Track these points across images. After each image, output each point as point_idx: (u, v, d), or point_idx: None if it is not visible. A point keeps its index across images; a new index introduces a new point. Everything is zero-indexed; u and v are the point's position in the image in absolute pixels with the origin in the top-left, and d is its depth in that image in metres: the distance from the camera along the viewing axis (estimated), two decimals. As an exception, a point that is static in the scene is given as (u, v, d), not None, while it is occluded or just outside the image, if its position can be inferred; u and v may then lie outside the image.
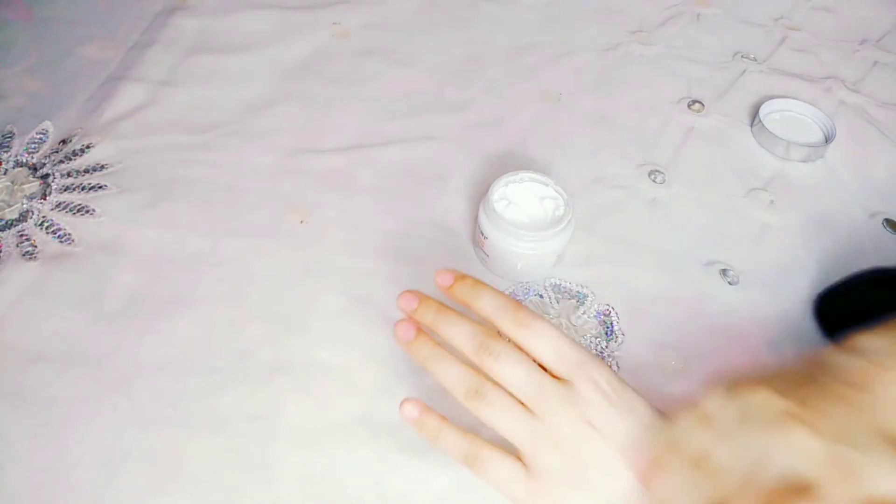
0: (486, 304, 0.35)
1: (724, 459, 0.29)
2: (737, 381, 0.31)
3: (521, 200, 0.45)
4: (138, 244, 0.47)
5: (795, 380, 0.31)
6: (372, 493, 0.37)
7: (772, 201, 0.54)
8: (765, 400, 0.29)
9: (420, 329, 0.35)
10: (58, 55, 0.60)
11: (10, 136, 0.53)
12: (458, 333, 0.34)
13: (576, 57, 0.65)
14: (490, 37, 0.66)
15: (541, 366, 0.33)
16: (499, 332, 0.34)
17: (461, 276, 0.36)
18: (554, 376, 0.33)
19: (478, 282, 0.35)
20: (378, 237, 0.49)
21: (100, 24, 0.64)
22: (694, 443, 0.30)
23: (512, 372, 0.33)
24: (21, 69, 0.59)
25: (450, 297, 0.36)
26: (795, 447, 0.28)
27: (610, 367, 0.36)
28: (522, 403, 0.33)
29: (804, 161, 0.57)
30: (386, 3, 0.68)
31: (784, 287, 0.48)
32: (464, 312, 0.35)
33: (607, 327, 0.45)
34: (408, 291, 0.36)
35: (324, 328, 0.44)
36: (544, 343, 0.33)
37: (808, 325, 0.46)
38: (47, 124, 0.54)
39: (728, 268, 0.49)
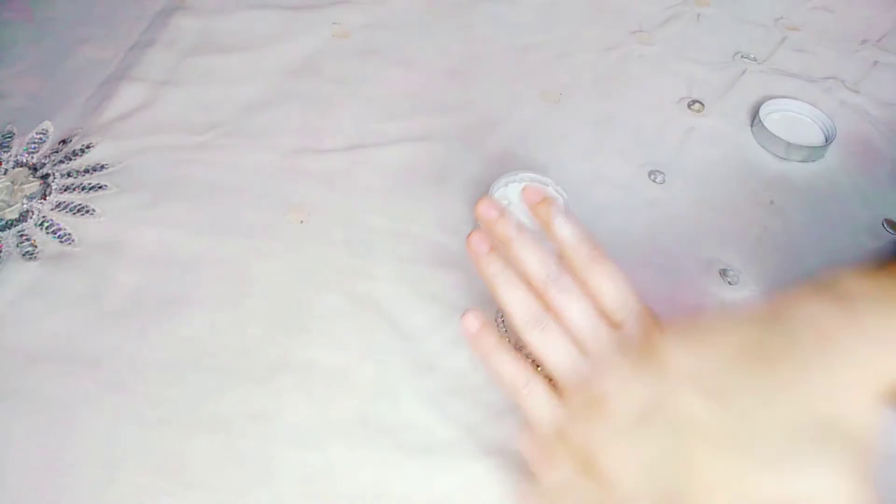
0: (566, 231, 0.34)
1: (611, 467, 0.27)
2: (659, 350, 0.28)
3: (522, 200, 0.45)
4: (138, 244, 0.47)
5: (741, 343, 0.27)
6: (372, 493, 0.37)
7: (772, 201, 0.54)
8: (676, 395, 0.27)
9: (493, 246, 0.35)
10: (58, 55, 0.60)
11: (10, 136, 0.53)
12: (531, 257, 0.34)
13: (576, 57, 0.65)
14: (490, 37, 0.66)
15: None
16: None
17: (551, 199, 0.36)
18: (610, 321, 0.33)
19: (566, 210, 0.36)
20: (378, 237, 0.49)
21: (100, 24, 0.64)
22: (580, 436, 0.28)
23: (574, 307, 0.33)
24: (21, 69, 0.59)
25: (534, 213, 0.36)
26: (693, 469, 0.25)
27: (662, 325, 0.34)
28: (578, 346, 0.32)
29: (804, 161, 0.57)
30: (386, 3, 0.68)
31: (784, 287, 0.48)
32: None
33: (607, 327, 0.45)
34: (488, 199, 0.35)
35: (324, 328, 0.44)
36: (611, 284, 0.33)
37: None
38: (47, 124, 0.54)
39: (728, 268, 0.49)
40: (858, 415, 0.25)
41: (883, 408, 0.25)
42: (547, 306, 0.34)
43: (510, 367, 0.34)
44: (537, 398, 0.33)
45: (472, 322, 0.35)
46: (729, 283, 0.48)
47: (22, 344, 0.42)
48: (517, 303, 0.34)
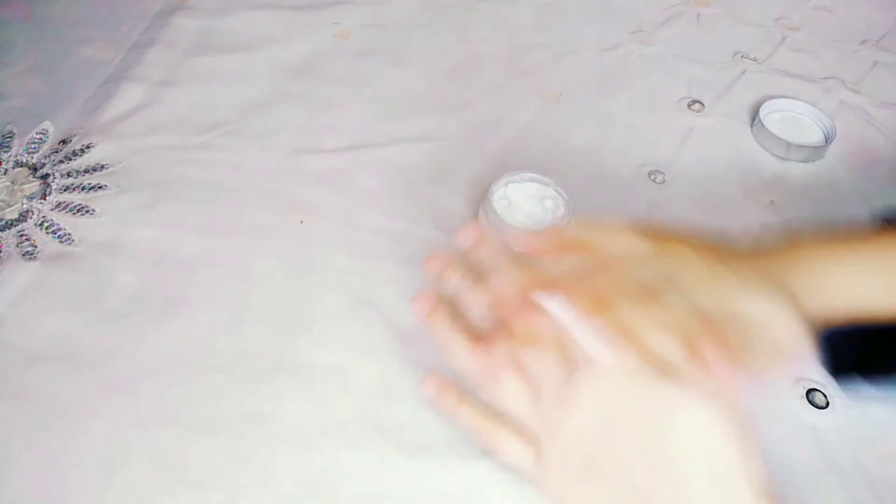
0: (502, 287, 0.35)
1: (614, 250, 0.32)
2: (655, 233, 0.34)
3: (521, 200, 0.45)
4: (138, 244, 0.47)
5: (712, 243, 0.34)
6: (372, 493, 0.37)
7: (772, 201, 0.54)
8: (672, 244, 0.33)
9: (437, 305, 0.36)
10: (58, 55, 0.60)
11: (10, 136, 0.53)
12: (474, 310, 0.35)
13: (576, 57, 0.65)
14: (490, 37, 0.66)
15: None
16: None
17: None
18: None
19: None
20: (378, 237, 0.49)
21: (100, 24, 0.64)
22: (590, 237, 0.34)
23: (525, 352, 0.33)
24: (21, 69, 0.59)
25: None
26: (681, 256, 0.32)
27: None
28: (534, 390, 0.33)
29: (804, 161, 0.57)
30: (386, 3, 0.68)
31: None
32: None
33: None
34: (438, 252, 0.37)
35: (324, 328, 0.44)
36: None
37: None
38: (47, 124, 0.54)
39: (728, 268, 0.49)
40: (799, 295, 0.33)
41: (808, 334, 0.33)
42: (500, 357, 0.34)
43: (475, 422, 0.35)
44: (505, 447, 0.34)
45: (431, 388, 0.36)
46: (729, 283, 0.48)
47: (22, 344, 0.42)
48: (467, 363, 0.35)
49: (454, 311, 0.36)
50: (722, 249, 0.34)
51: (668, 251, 0.33)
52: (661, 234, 0.34)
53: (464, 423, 0.34)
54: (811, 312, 0.33)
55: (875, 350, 0.37)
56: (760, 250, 0.35)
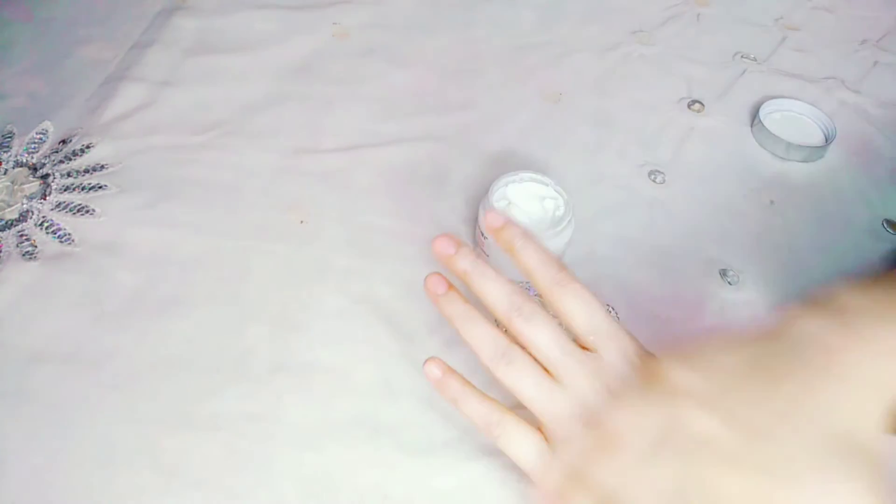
0: (530, 256, 0.33)
1: (632, 501, 0.26)
2: (663, 374, 0.28)
3: (521, 200, 0.45)
4: (138, 244, 0.47)
5: (745, 362, 0.27)
6: (372, 493, 0.37)
7: (772, 201, 0.54)
8: (687, 417, 0.26)
9: (451, 285, 0.34)
10: (58, 55, 0.60)
11: (10, 136, 0.53)
12: (492, 290, 0.33)
13: (576, 57, 0.65)
14: (490, 37, 0.66)
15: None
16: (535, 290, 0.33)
17: (511, 222, 0.35)
18: (581, 346, 0.32)
19: (528, 234, 0.34)
20: (378, 237, 0.49)
21: (100, 24, 0.64)
22: (600, 475, 0.27)
23: (541, 335, 0.32)
24: (21, 69, 0.59)
25: (496, 240, 0.35)
26: (714, 491, 0.24)
27: (639, 342, 0.33)
28: (548, 372, 0.32)
29: (804, 161, 0.57)
30: (386, 3, 0.68)
31: (784, 287, 0.48)
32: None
33: (607, 327, 0.45)
34: (445, 235, 0.34)
35: (324, 328, 0.44)
36: (580, 306, 0.32)
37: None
38: (47, 124, 0.54)
39: (728, 268, 0.49)
40: (871, 427, 0.25)
41: (888, 431, 0.25)
42: (513, 338, 0.33)
43: (479, 408, 0.33)
44: (511, 434, 0.32)
45: (434, 370, 0.34)
46: (729, 283, 0.48)
47: (22, 344, 0.42)
48: (480, 340, 0.33)
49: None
50: (753, 382, 0.26)
51: (690, 457, 0.25)
52: (671, 397, 0.27)
53: (468, 411, 0.33)
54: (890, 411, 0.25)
55: None
56: (805, 348, 0.26)
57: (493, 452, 0.38)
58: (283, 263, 0.47)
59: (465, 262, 0.34)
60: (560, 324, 0.33)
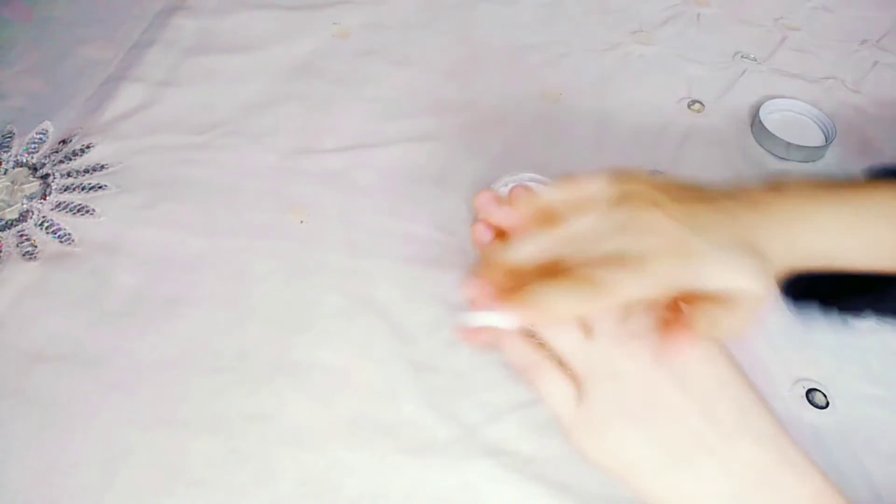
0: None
1: (580, 226, 0.30)
2: (629, 176, 0.32)
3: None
4: (138, 244, 0.47)
5: (688, 191, 0.32)
6: (372, 493, 0.37)
7: (772, 201, 0.54)
8: (641, 189, 0.31)
9: (498, 233, 0.35)
10: (58, 55, 0.60)
11: (10, 136, 0.53)
12: (528, 246, 0.33)
13: (576, 57, 0.65)
14: (490, 37, 0.66)
15: None
16: None
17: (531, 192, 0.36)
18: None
19: None
20: (378, 237, 0.49)
21: (100, 24, 0.64)
22: (560, 206, 0.31)
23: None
24: (21, 69, 0.59)
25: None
26: (646, 226, 0.29)
27: None
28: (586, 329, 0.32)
29: (804, 161, 0.57)
30: (386, 3, 0.68)
31: (783, 287, 0.48)
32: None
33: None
34: (488, 191, 0.35)
35: (324, 328, 0.44)
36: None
37: (808, 324, 0.46)
38: (47, 124, 0.54)
39: (728, 268, 0.49)
40: (775, 255, 0.31)
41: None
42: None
43: (520, 351, 0.33)
44: (546, 380, 0.32)
45: (473, 290, 0.35)
46: (729, 283, 0.48)
47: (22, 344, 0.42)
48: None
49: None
50: (697, 196, 0.32)
51: (636, 207, 0.31)
52: (633, 178, 0.32)
53: (508, 350, 0.33)
54: (785, 269, 0.33)
55: (837, 286, 0.38)
56: (739, 195, 0.33)
57: (493, 452, 0.38)
58: (283, 263, 0.47)
59: (509, 219, 0.35)
60: None
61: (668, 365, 0.31)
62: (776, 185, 0.34)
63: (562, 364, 0.32)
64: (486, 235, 0.35)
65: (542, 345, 0.33)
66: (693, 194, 0.32)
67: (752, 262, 0.30)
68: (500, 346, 0.33)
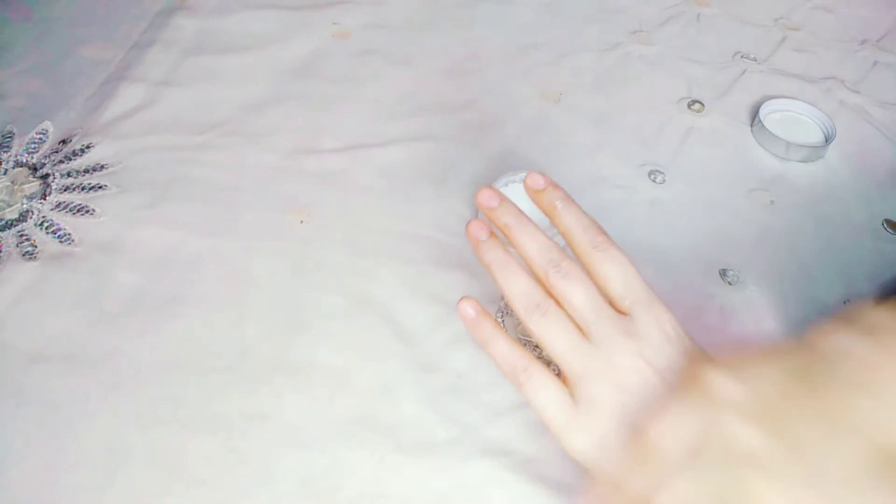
0: (570, 218, 0.34)
1: None
2: (704, 380, 0.27)
3: (521, 200, 0.45)
4: (138, 244, 0.47)
5: (783, 375, 0.27)
6: (372, 493, 0.37)
7: (772, 201, 0.54)
8: (729, 428, 0.25)
9: (493, 232, 0.35)
10: (58, 55, 0.60)
11: (10, 136, 0.53)
12: (532, 244, 0.33)
13: (576, 57, 0.65)
14: (490, 37, 0.66)
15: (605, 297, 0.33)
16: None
17: (555, 184, 0.35)
18: (617, 309, 0.32)
19: (569, 197, 0.35)
20: (378, 237, 0.49)
21: (100, 24, 0.64)
22: (635, 486, 0.27)
23: (576, 293, 0.32)
24: (21, 69, 0.59)
25: (536, 201, 0.36)
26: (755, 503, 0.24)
27: (673, 314, 0.34)
28: (581, 331, 0.32)
29: (804, 161, 0.57)
30: (386, 3, 0.68)
31: (784, 287, 0.48)
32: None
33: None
34: (489, 188, 0.35)
35: (324, 328, 0.44)
36: (617, 270, 0.32)
37: (808, 324, 0.46)
38: (47, 124, 0.54)
39: (728, 268, 0.49)
40: None
41: None
42: (549, 292, 0.33)
43: (509, 353, 0.33)
44: (536, 382, 0.32)
45: (469, 310, 0.34)
46: (729, 283, 0.48)
47: (22, 344, 0.42)
48: (517, 289, 0.33)
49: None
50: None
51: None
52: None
53: (497, 355, 0.33)
54: None
55: None
56: (840, 369, 0.26)
57: (493, 452, 0.38)
58: (283, 263, 0.47)
59: (508, 216, 0.35)
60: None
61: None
62: (868, 329, 0.27)
63: (550, 366, 0.32)
64: (481, 233, 0.35)
65: (535, 346, 0.34)
66: (783, 388, 0.26)
67: (889, 485, 0.24)
68: (490, 346, 0.33)
